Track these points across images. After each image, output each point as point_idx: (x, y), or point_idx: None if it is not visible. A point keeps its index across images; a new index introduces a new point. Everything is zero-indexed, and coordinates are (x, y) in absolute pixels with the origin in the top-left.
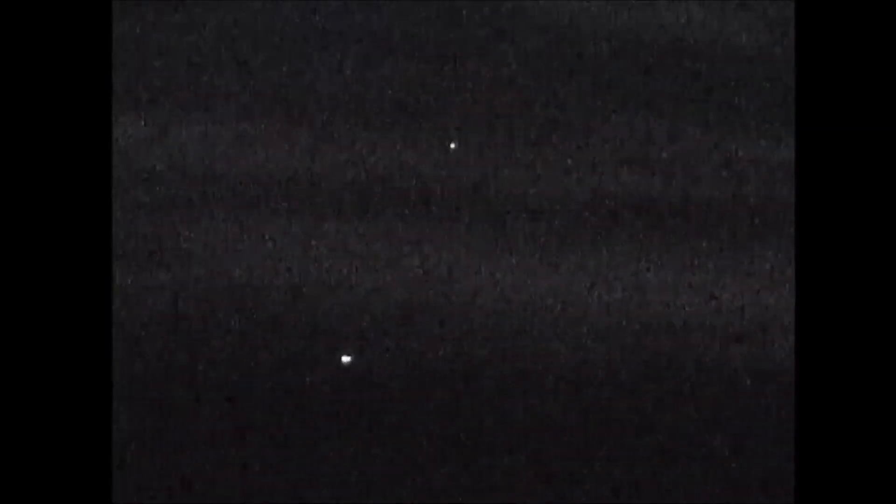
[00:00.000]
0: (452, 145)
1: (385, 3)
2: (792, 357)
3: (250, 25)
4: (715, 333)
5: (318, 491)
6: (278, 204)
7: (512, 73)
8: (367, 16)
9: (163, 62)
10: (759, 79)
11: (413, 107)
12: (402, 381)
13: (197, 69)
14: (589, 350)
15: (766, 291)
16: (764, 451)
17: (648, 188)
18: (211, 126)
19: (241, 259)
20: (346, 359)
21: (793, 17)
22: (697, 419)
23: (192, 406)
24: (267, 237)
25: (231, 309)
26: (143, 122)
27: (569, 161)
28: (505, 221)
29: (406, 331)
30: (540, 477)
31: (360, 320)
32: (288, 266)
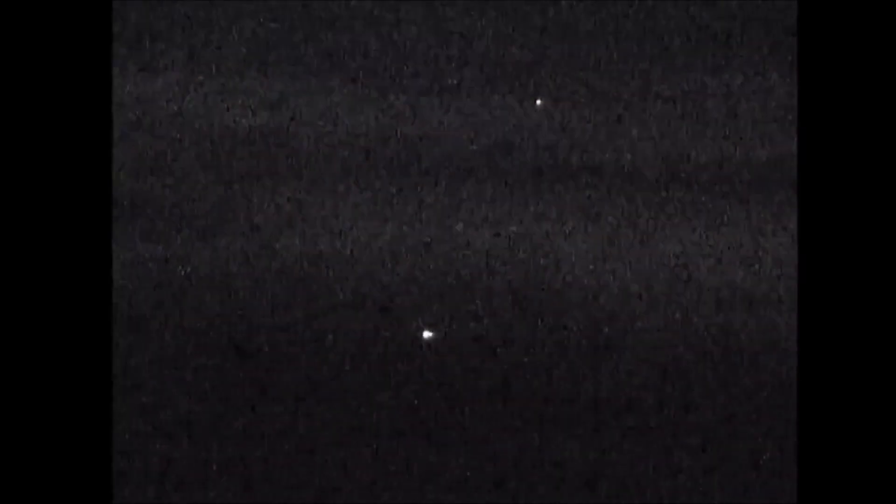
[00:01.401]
0: (538, 102)
1: None
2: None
3: None
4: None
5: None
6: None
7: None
8: None
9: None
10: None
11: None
12: (482, 354)
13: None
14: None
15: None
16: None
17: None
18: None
19: (299, 229)
20: (427, 334)
21: None
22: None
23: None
24: (331, 205)
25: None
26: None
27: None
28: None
29: (483, 303)
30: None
31: (437, 293)
32: (362, 235)
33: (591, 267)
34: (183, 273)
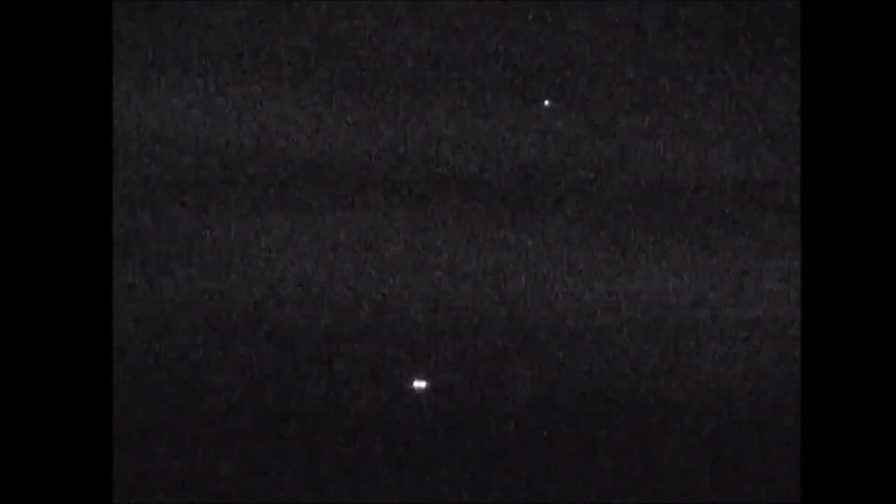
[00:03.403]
0: (546, 102)
1: None
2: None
3: None
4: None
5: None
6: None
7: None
8: None
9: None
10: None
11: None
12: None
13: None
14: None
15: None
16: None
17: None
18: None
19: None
20: (418, 384)
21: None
22: None
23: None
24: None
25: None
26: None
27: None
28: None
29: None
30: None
31: (430, 338)
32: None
33: (596, 302)
34: (161, 302)
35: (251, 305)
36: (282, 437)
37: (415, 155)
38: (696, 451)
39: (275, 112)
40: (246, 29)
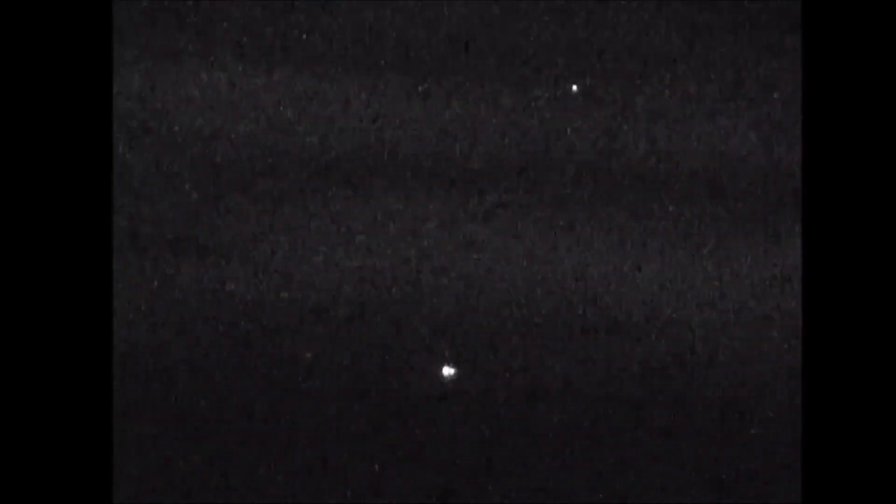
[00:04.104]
0: (574, 87)
1: None
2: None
3: None
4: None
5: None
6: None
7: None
8: None
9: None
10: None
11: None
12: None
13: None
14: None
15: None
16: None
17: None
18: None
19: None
20: (447, 371)
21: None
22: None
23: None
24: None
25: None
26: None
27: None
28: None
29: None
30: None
31: (459, 321)
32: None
33: (623, 291)
34: (180, 296)
35: (276, 293)
36: (305, 427)
37: (440, 142)
38: (695, 449)
39: (288, 100)
40: (253, 15)
